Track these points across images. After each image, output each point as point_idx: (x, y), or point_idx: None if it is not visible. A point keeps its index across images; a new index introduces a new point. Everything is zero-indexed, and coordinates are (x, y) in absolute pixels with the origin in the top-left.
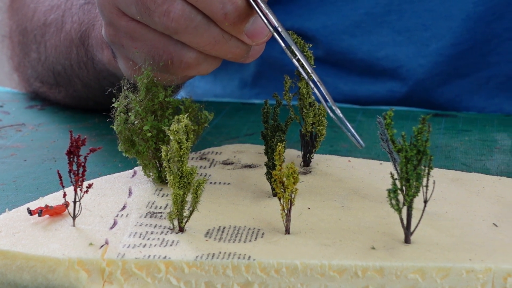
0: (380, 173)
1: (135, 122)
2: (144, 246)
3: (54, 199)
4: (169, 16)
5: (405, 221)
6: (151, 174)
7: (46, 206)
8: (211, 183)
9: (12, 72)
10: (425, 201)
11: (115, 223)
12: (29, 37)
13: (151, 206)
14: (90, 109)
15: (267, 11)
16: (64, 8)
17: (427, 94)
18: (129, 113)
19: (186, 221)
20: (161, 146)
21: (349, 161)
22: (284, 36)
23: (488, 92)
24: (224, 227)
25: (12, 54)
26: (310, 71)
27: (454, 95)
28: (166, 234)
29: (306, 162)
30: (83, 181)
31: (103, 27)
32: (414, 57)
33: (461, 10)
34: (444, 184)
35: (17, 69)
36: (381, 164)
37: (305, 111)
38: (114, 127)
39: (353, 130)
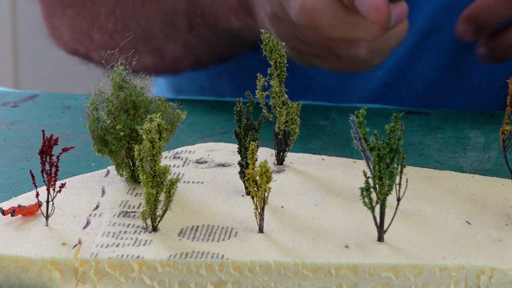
0: (354, 171)
1: (108, 121)
2: (117, 246)
3: (27, 199)
4: (357, 54)
5: (378, 220)
6: (124, 173)
7: (19, 206)
8: (184, 182)
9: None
10: (398, 199)
11: (88, 223)
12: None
13: (124, 206)
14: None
15: None
16: None
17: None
18: (102, 112)
19: (159, 221)
20: (134, 146)
21: (323, 159)
22: None
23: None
24: (197, 226)
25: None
26: None
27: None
28: (139, 234)
29: (280, 160)
30: (56, 180)
31: (286, 49)
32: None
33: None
34: (417, 182)
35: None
36: (354, 162)
37: (278, 109)
38: (87, 126)
39: None
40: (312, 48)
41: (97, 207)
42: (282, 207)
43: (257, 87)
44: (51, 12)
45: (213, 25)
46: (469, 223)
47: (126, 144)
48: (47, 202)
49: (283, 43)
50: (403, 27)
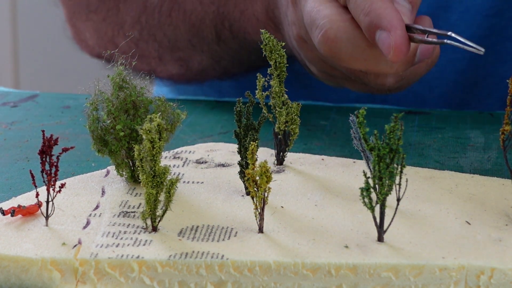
0: (354, 172)
1: (108, 121)
2: (117, 246)
3: (27, 199)
4: (384, 83)
5: (378, 220)
6: (124, 173)
7: (19, 206)
8: (184, 182)
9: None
10: (398, 200)
11: (88, 223)
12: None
13: (124, 206)
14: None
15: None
16: None
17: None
18: (102, 112)
19: (159, 221)
20: (133, 146)
21: (323, 159)
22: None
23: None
24: (197, 226)
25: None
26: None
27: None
28: (139, 234)
29: (280, 160)
30: (55, 180)
31: (313, 70)
32: None
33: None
34: (417, 182)
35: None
36: (354, 162)
37: (278, 109)
38: (87, 126)
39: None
40: (340, 72)
41: (97, 207)
42: (282, 207)
43: (257, 87)
44: (76, 17)
45: (241, 38)
46: (469, 223)
47: (126, 144)
48: (47, 202)
49: (283, 43)
50: (433, 56)
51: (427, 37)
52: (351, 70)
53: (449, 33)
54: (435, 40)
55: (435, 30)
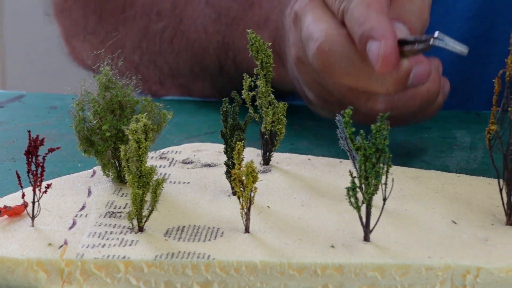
0: (340, 171)
1: (94, 122)
2: (103, 246)
3: (13, 199)
4: (374, 108)
5: (364, 219)
6: (110, 173)
7: (5, 207)
8: (170, 182)
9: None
10: (384, 199)
11: (74, 223)
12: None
13: (111, 206)
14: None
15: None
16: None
17: None
18: (88, 113)
19: (146, 221)
20: (120, 146)
21: (309, 159)
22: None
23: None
24: (183, 227)
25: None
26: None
27: None
28: (125, 234)
29: (266, 160)
30: (42, 181)
31: (310, 96)
32: None
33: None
34: (403, 182)
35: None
36: (340, 162)
37: (265, 109)
38: (73, 127)
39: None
40: (333, 96)
41: (83, 207)
42: (268, 207)
43: (244, 87)
44: (72, 36)
45: (245, 70)
46: (455, 223)
47: (112, 145)
48: (33, 202)
49: (269, 43)
50: (431, 91)
51: (417, 46)
52: (343, 92)
53: (435, 34)
54: (422, 45)
55: (422, 37)
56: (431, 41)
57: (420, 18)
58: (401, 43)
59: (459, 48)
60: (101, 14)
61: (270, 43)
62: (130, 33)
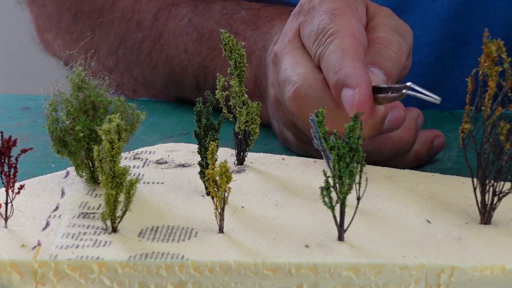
0: (314, 171)
1: (67, 122)
2: (77, 247)
3: None
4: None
5: (338, 219)
6: (84, 174)
7: None
8: (144, 182)
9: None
10: (358, 198)
11: (47, 224)
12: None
13: (84, 207)
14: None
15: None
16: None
17: None
18: (61, 113)
19: (119, 221)
20: (93, 146)
21: (283, 159)
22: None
23: None
24: (157, 227)
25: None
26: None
27: None
28: (99, 235)
29: (240, 160)
30: (14, 182)
31: (287, 135)
32: None
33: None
34: (377, 181)
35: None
36: (315, 161)
37: (238, 109)
38: (46, 127)
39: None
40: (309, 138)
41: (56, 208)
42: (243, 207)
43: (217, 87)
44: (43, 28)
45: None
46: (430, 222)
47: (86, 145)
48: (6, 203)
49: (243, 43)
50: (404, 140)
51: (390, 93)
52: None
53: (408, 83)
54: (395, 94)
55: (396, 85)
56: (404, 91)
57: (397, 64)
58: (376, 90)
59: (432, 97)
60: (77, 13)
61: (243, 43)
62: (106, 38)
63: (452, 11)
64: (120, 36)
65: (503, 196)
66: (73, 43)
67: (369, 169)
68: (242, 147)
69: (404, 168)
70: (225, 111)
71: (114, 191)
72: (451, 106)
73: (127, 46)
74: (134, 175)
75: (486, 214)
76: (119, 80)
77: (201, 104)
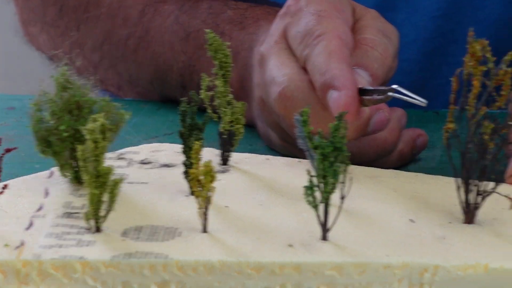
0: (299, 171)
1: (52, 122)
2: (60, 247)
3: None
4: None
5: (322, 218)
6: (68, 174)
7: None
8: (128, 182)
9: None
10: (342, 198)
11: (31, 224)
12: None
13: (68, 207)
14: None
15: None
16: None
17: None
18: (45, 113)
19: (103, 221)
20: (77, 146)
21: (268, 159)
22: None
23: None
24: (141, 227)
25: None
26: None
27: None
28: (82, 234)
29: (224, 160)
30: None
31: (272, 136)
32: None
33: None
34: (361, 181)
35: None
36: (299, 161)
37: (223, 109)
38: (30, 127)
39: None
40: (294, 139)
41: (40, 208)
42: (227, 207)
43: (202, 87)
44: (28, 21)
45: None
46: (413, 221)
47: (70, 145)
48: None
49: (228, 43)
50: (388, 141)
51: (376, 95)
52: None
53: (393, 86)
54: (381, 96)
55: (381, 88)
56: (390, 93)
57: (383, 65)
58: (362, 92)
59: (417, 100)
60: (62, 7)
61: (229, 43)
62: (91, 33)
63: (441, 9)
64: (106, 32)
65: (487, 195)
66: (58, 38)
67: (353, 169)
68: (226, 147)
69: (388, 168)
70: (209, 111)
71: (98, 190)
72: (438, 104)
73: (113, 42)
74: (118, 175)
75: (469, 214)
76: (103, 76)
77: (185, 104)
